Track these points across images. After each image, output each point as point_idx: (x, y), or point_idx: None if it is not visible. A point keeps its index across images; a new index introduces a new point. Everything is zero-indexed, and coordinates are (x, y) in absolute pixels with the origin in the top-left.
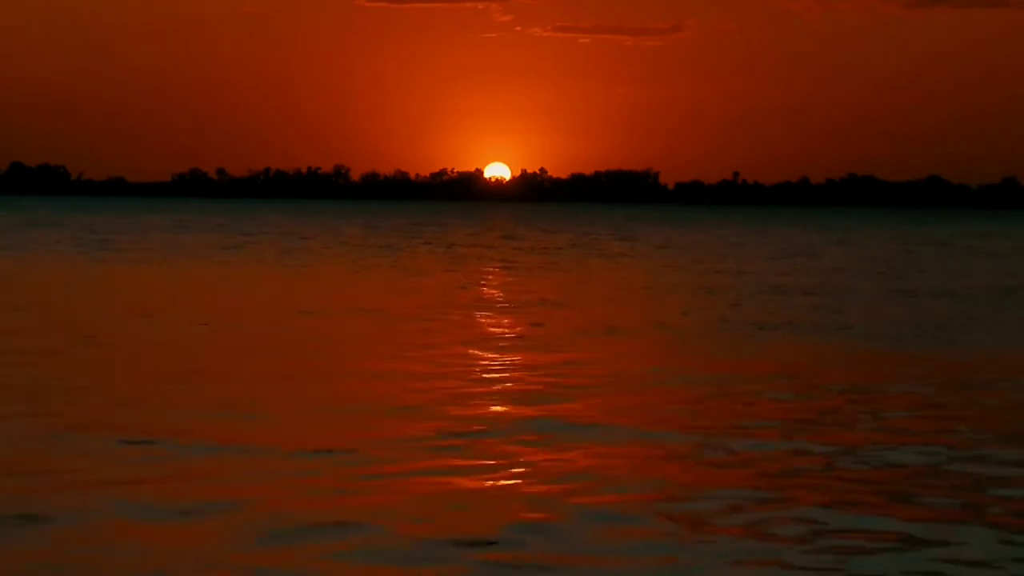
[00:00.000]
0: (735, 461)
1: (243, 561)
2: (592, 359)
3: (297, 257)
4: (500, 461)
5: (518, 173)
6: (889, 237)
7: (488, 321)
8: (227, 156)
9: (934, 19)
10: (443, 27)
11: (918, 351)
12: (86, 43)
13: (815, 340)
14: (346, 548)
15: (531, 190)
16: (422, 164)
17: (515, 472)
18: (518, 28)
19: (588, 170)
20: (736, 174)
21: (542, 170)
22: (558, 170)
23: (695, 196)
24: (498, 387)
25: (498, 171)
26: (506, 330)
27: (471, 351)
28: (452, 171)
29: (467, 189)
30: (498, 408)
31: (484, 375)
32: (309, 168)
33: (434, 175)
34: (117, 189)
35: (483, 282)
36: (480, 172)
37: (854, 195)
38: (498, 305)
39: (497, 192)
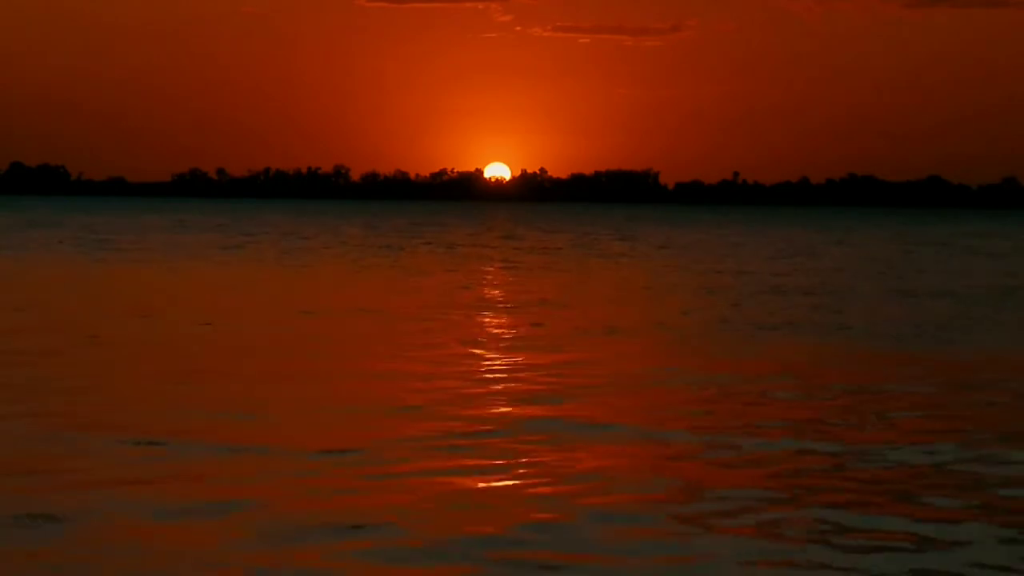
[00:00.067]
0: (742, 461)
1: (248, 561)
2: (594, 359)
3: (297, 257)
4: (507, 461)
5: (518, 173)
6: (889, 237)
7: (489, 321)
8: (227, 156)
9: (934, 19)
10: (443, 27)
11: (918, 351)
12: (86, 43)
13: (816, 340)
14: (353, 548)
15: (531, 190)
16: (422, 164)
17: (522, 472)
18: (518, 28)
19: (588, 170)
20: (736, 174)
21: (542, 170)
22: (558, 170)
23: (695, 196)
24: (501, 387)
25: (498, 171)
26: (507, 330)
27: (473, 351)
28: (452, 171)
29: (467, 189)
30: (502, 408)
31: (486, 375)
32: (309, 168)
33: (434, 175)
34: (117, 189)
35: (484, 282)
36: (480, 172)
37: (854, 195)
38: (499, 305)
39: (497, 192)
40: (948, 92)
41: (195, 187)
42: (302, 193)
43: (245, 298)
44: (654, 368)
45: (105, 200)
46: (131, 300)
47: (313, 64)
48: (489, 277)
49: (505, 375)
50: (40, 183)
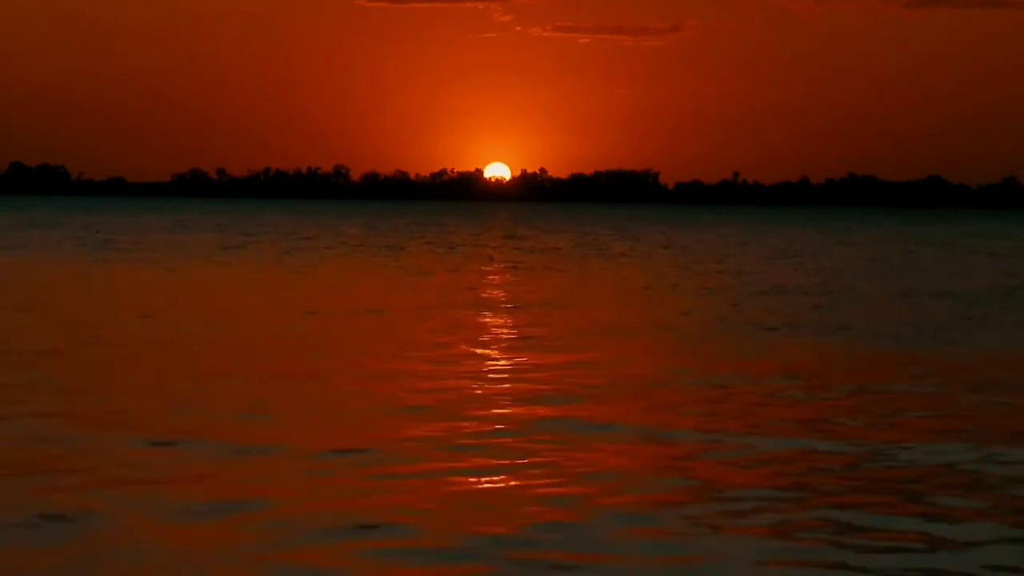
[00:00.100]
0: (751, 461)
1: (257, 561)
2: (598, 359)
3: (298, 257)
4: (516, 461)
5: (518, 173)
6: (889, 237)
7: (492, 321)
8: (227, 156)
9: (934, 19)
10: (443, 27)
11: (919, 351)
12: (86, 43)
13: (817, 340)
14: (363, 548)
15: (531, 190)
16: (422, 164)
17: (532, 472)
18: (518, 28)
19: (588, 170)
20: (736, 174)
21: (542, 170)
22: (558, 170)
23: (695, 196)
24: (507, 387)
25: (498, 171)
26: (510, 330)
27: (476, 351)
28: (452, 171)
29: (467, 189)
30: (510, 408)
31: (491, 375)
32: (309, 168)
33: (434, 175)
34: (117, 189)
35: (485, 282)
36: (480, 172)
37: (854, 195)
38: (501, 305)
39: (497, 192)
40: (948, 92)
41: (195, 187)
42: (302, 193)
43: (247, 298)
44: (658, 368)
45: (105, 200)
46: (133, 300)
47: (313, 64)
48: (490, 277)
49: (510, 375)
50: (40, 183)
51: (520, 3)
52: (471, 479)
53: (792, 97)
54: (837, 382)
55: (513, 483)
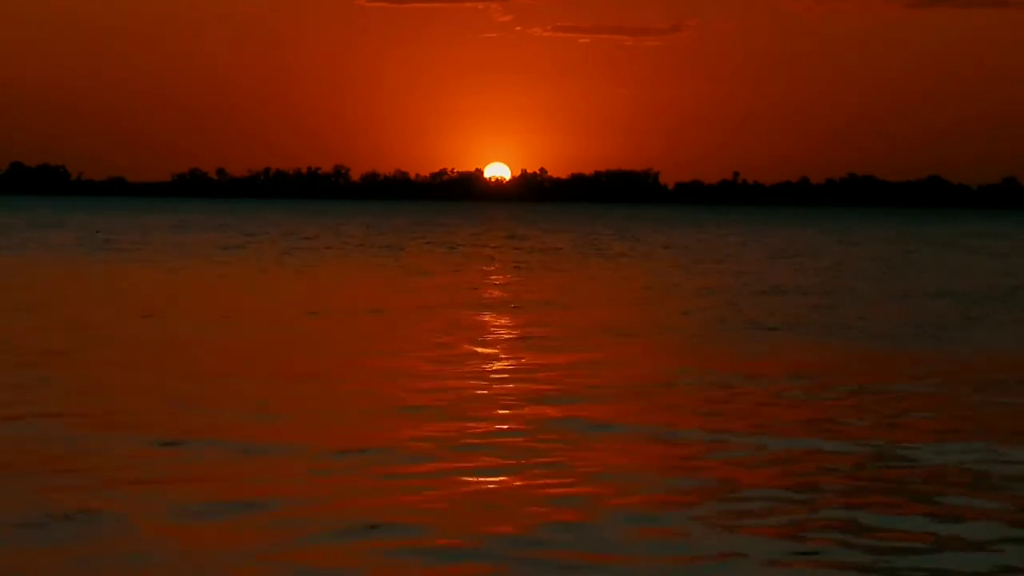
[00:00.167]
0: (758, 461)
1: (265, 560)
2: (600, 360)
3: (299, 257)
4: (523, 461)
5: (518, 173)
6: (889, 237)
7: (494, 321)
8: (227, 156)
9: (935, 19)
10: (443, 27)
11: (919, 351)
12: (86, 43)
13: (817, 340)
14: (371, 548)
15: (531, 190)
16: (422, 164)
17: (541, 472)
18: (518, 28)
19: (588, 170)
20: (736, 174)
21: (542, 170)
22: (558, 170)
23: (695, 196)
24: (512, 387)
25: (498, 171)
26: (512, 330)
27: (479, 351)
28: (452, 171)
29: (467, 189)
30: (516, 409)
31: (496, 376)
32: (309, 168)
33: (434, 175)
34: (117, 189)
35: (486, 282)
36: (480, 172)
37: (854, 195)
38: (502, 305)
39: (497, 192)
40: (948, 92)
41: (195, 187)
42: (302, 193)
43: (248, 299)
44: (660, 368)
45: (105, 200)
46: (134, 300)
47: (313, 64)
48: (491, 277)
49: (513, 375)
50: (40, 183)
51: (520, 3)
52: (478, 479)
53: (792, 97)
54: (839, 382)
55: (520, 483)
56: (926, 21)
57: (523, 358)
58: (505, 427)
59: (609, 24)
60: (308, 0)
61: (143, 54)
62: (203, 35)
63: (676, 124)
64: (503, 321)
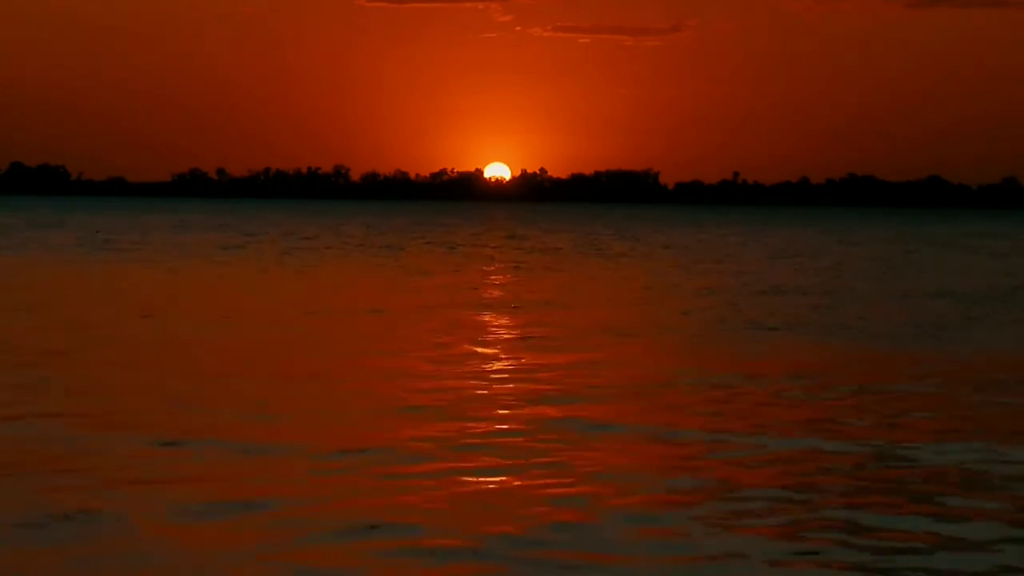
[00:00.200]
0: (759, 461)
1: (265, 560)
2: (600, 360)
3: (299, 257)
4: (524, 461)
5: (518, 173)
6: (889, 237)
7: (494, 321)
8: (227, 156)
9: (935, 19)
10: (443, 27)
11: (919, 351)
12: (86, 43)
13: (818, 340)
14: (371, 548)
15: (531, 190)
16: (422, 164)
17: (542, 472)
18: (518, 28)
19: (588, 170)
20: (736, 174)
21: (542, 170)
22: (558, 170)
23: (695, 196)
24: (512, 387)
25: (498, 171)
26: (512, 330)
27: (480, 351)
28: (452, 171)
29: (467, 189)
30: (516, 409)
31: (496, 376)
32: (309, 168)
33: (434, 175)
34: (117, 189)
35: (487, 282)
36: (480, 172)
37: (854, 195)
38: (503, 306)
39: (497, 192)
40: (948, 92)
41: (195, 187)
42: (302, 193)
43: (248, 299)
44: (660, 369)
45: (105, 200)
46: (134, 300)
47: (313, 64)
48: (491, 277)
49: (513, 375)
50: (40, 183)
51: (520, 3)
52: (478, 479)
53: (792, 97)
54: (839, 382)
55: (520, 483)
56: (926, 21)
57: (523, 358)
58: (505, 427)
59: (609, 24)
60: (308, 0)
61: (143, 54)
62: (203, 35)
63: (676, 124)
64: (503, 321)
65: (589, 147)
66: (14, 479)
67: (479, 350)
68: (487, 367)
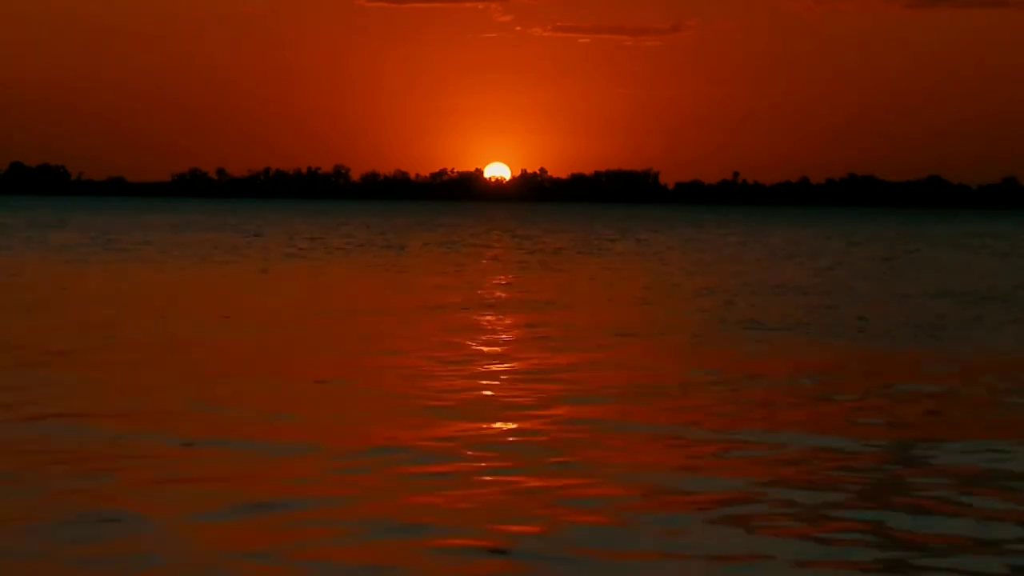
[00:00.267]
0: (779, 460)
1: (300, 559)
2: (607, 360)
3: (302, 257)
4: (545, 460)
5: (518, 173)
6: (889, 237)
7: (499, 321)
8: (227, 156)
9: (935, 19)
10: (443, 27)
11: (919, 351)
12: (86, 43)
13: (818, 340)
14: (404, 547)
15: (531, 190)
16: (422, 164)
17: (563, 472)
18: (518, 28)
19: (588, 170)
20: (736, 174)
21: (542, 170)
22: (558, 170)
23: (695, 196)
24: (524, 387)
25: (498, 171)
26: (518, 330)
27: (488, 351)
28: (452, 171)
29: (467, 189)
30: (531, 409)
31: (507, 376)
32: (309, 168)
33: (434, 175)
34: (117, 189)
35: (489, 282)
36: (480, 172)
37: (854, 195)
38: (506, 305)
39: (497, 192)
40: (948, 92)
41: (195, 187)
42: (302, 193)
43: (254, 299)
44: (666, 368)
45: (105, 200)
46: (142, 300)
47: (313, 64)
48: (493, 277)
49: (524, 375)
50: (40, 183)
51: (520, 3)
52: (499, 478)
53: (792, 97)
54: (843, 381)
55: (542, 483)
56: (926, 21)
57: (530, 358)
58: (520, 427)
59: (609, 24)
60: (308, 0)
61: (143, 54)
62: (203, 35)
63: (676, 124)
64: (507, 321)
65: (589, 147)
66: (33, 479)
67: (485, 350)
68: (495, 367)
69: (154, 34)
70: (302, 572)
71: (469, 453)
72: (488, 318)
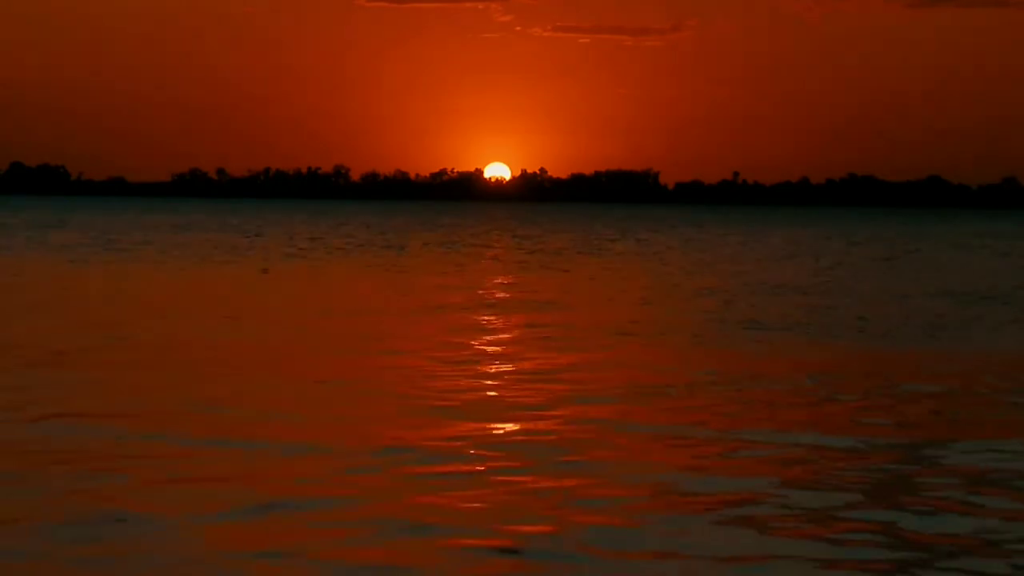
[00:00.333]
0: (787, 459)
1: (314, 558)
2: (609, 360)
3: (303, 257)
4: (554, 460)
5: (518, 173)
6: (889, 237)
7: (500, 322)
8: (227, 156)
9: (935, 19)
10: (443, 27)
11: (919, 351)
12: (86, 43)
13: (818, 340)
14: (417, 546)
15: (531, 190)
16: (422, 164)
17: (572, 471)
18: (518, 28)
19: (588, 170)
20: (736, 174)
21: (542, 170)
22: (558, 170)
23: (695, 196)
24: (528, 387)
25: (498, 171)
26: (519, 330)
27: (491, 351)
28: (452, 171)
29: (467, 189)
30: (536, 408)
31: (511, 375)
32: (309, 168)
33: (434, 175)
34: (117, 189)
35: (489, 282)
36: (480, 172)
37: (854, 195)
38: (507, 305)
39: (497, 192)
40: (948, 92)
41: (195, 187)
42: (302, 193)
43: (257, 299)
44: (668, 368)
45: (105, 200)
46: (145, 301)
47: (313, 64)
48: (493, 277)
49: (528, 375)
50: (40, 183)
51: (520, 3)
52: (509, 478)
53: (792, 97)
54: (845, 381)
55: (552, 483)
56: (926, 21)
57: (534, 358)
58: (527, 427)
59: (609, 24)
60: (308, 0)
61: (143, 54)
62: (203, 35)
63: (676, 124)
64: (509, 321)
65: (589, 147)
66: (34, 480)
67: (487, 350)
68: (497, 367)
69: (154, 34)
70: (310, 572)
71: (476, 453)
72: (489, 318)
